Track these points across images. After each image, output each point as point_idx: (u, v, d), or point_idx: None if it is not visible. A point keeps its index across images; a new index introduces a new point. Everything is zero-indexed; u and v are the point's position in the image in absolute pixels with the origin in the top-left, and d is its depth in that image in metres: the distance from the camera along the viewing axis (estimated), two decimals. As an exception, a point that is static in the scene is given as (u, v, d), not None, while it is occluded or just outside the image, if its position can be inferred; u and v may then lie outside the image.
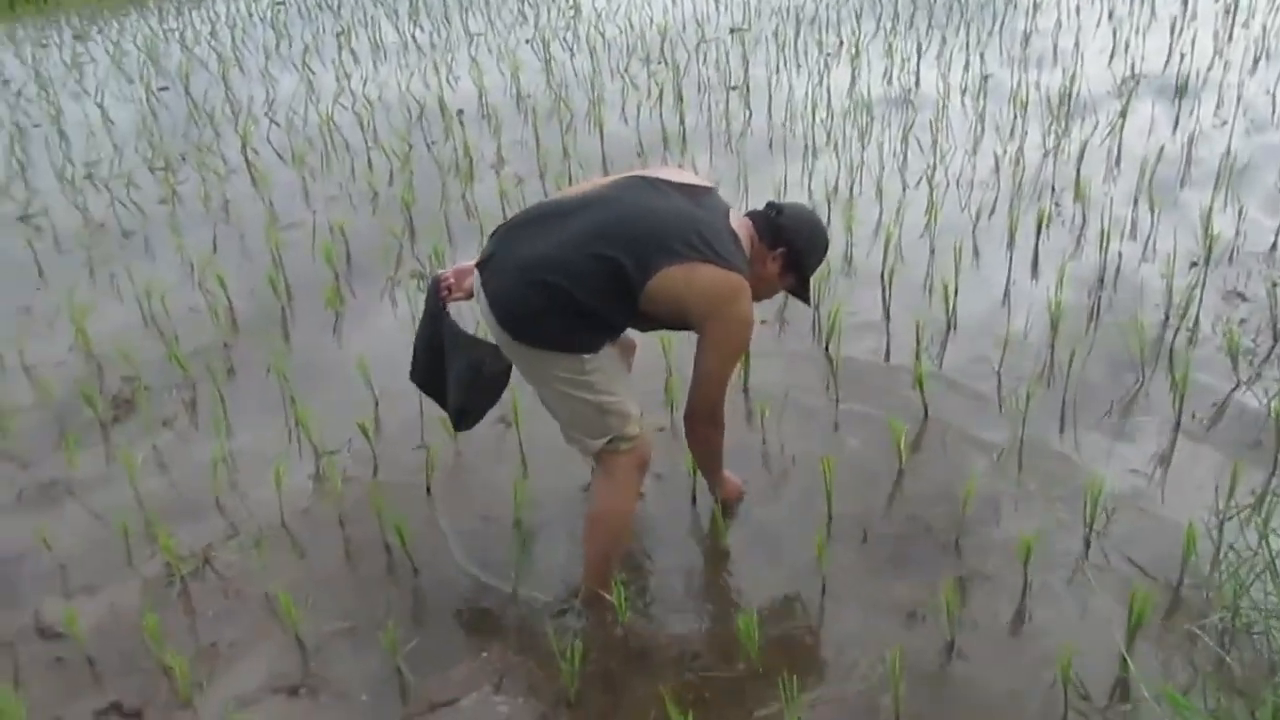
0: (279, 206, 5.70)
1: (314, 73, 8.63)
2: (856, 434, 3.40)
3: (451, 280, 2.71)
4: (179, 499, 3.26)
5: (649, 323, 2.65)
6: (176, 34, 11.09)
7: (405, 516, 2.95)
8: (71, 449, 3.46)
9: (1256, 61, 6.98)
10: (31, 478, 3.42)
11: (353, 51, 9.37)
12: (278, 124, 7.25)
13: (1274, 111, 6.03)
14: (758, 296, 2.69)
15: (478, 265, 2.60)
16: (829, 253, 2.92)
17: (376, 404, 3.66)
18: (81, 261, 5.14)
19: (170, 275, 4.86)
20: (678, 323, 2.60)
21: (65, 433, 3.59)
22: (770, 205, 2.75)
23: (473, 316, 3.13)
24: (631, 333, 2.78)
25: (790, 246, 2.69)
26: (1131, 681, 2.42)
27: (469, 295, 2.69)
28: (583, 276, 2.45)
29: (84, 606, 2.80)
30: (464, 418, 2.77)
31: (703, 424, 2.76)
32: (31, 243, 5.37)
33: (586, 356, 2.52)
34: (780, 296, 3.04)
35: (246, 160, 6.49)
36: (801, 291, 2.82)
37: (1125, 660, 2.45)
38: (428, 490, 3.21)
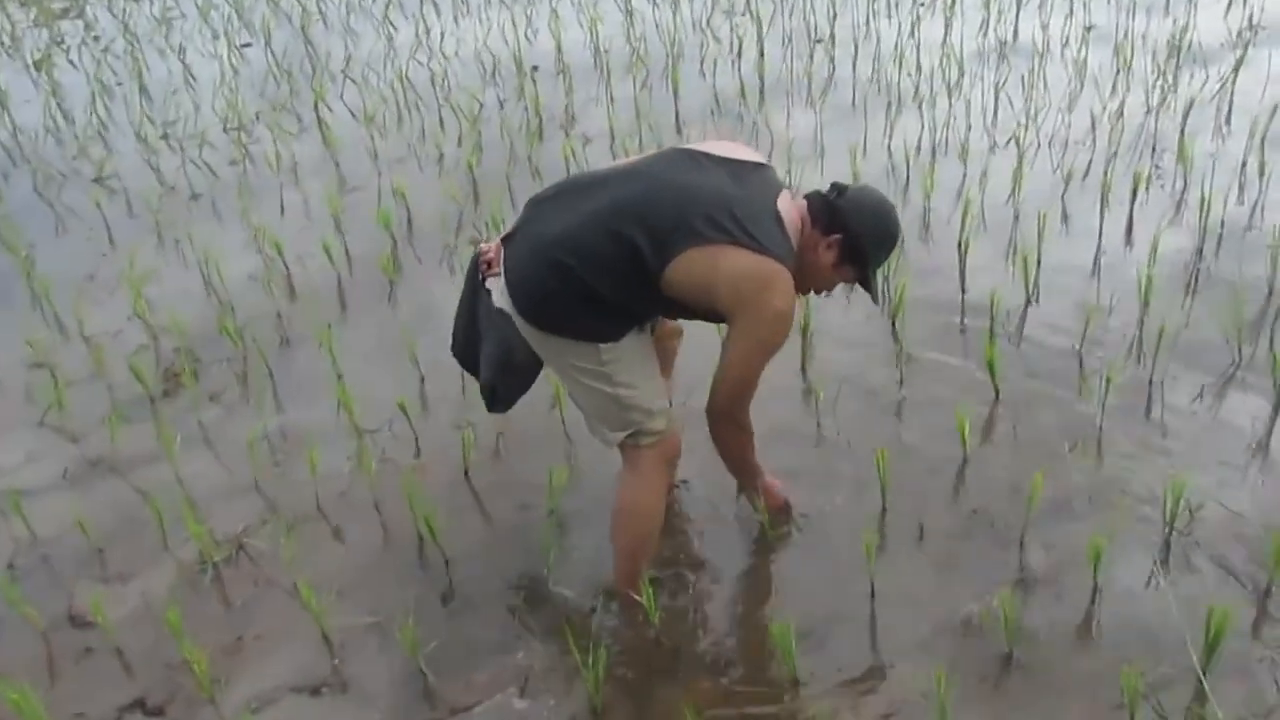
0: (345, 169, 5.65)
1: (395, 27, 8.57)
2: (920, 419, 3.20)
3: (492, 254, 2.51)
4: (219, 479, 3.23)
5: (681, 311, 2.47)
6: (265, -13, 11.15)
7: (439, 503, 2.87)
8: (116, 425, 3.45)
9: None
10: (80, 453, 3.43)
11: (435, 4, 9.27)
12: (353, 80, 7.20)
13: None
14: (806, 288, 2.48)
15: (503, 239, 2.47)
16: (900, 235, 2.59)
17: (422, 380, 3.59)
18: (149, 226, 5.16)
19: (233, 241, 4.85)
20: (711, 313, 2.39)
21: (114, 407, 3.59)
22: (834, 186, 2.46)
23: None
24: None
25: (847, 232, 2.38)
26: (1208, 704, 2.22)
27: None
28: (597, 258, 2.27)
29: (117, 593, 2.79)
30: (495, 399, 2.61)
31: (722, 423, 2.50)
32: (102, 205, 5.41)
33: (604, 346, 2.35)
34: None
35: (319, 118, 6.46)
36: (866, 284, 2.50)
37: (1201, 680, 2.24)
38: (465, 474, 3.12)
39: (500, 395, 2.59)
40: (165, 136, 6.52)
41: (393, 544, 2.93)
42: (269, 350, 3.88)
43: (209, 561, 2.88)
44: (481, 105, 6.28)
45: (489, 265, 2.52)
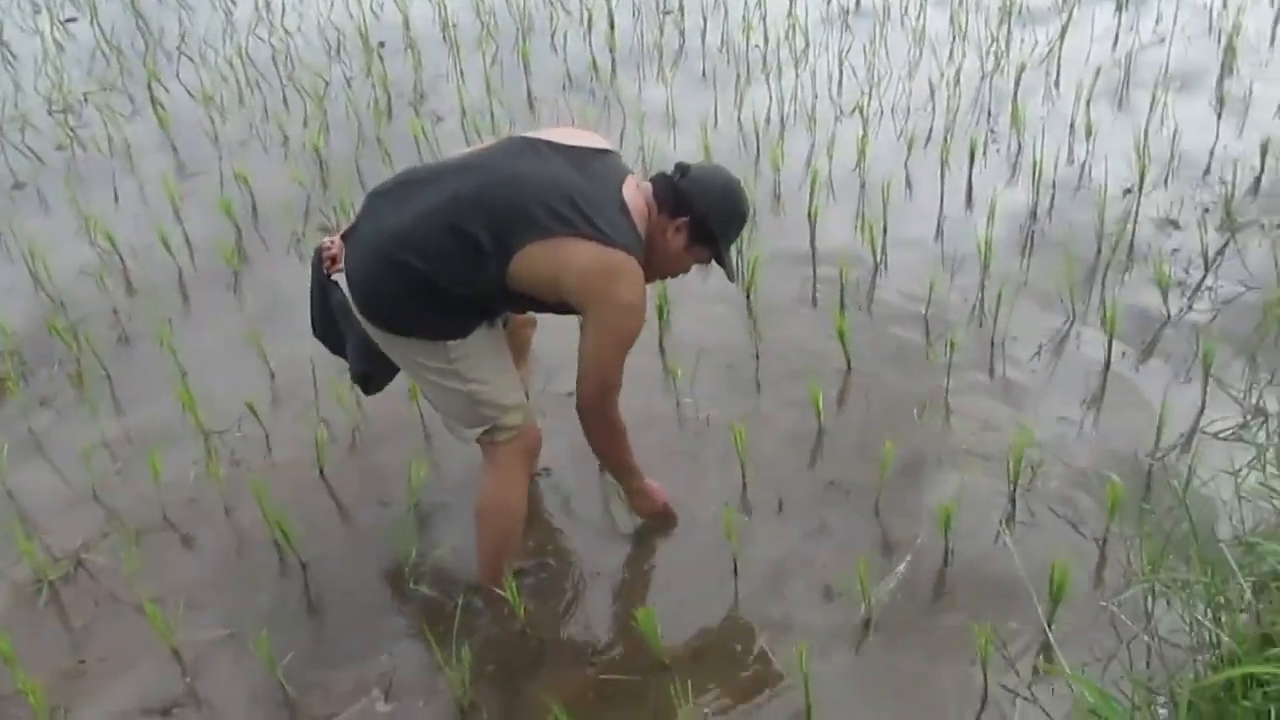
0: (183, 152, 5.39)
1: (233, 2, 8.19)
2: (776, 392, 3.26)
3: (335, 250, 2.44)
4: (53, 491, 3.07)
5: (531, 305, 2.44)
6: (89, -42, 10.52)
7: (293, 505, 2.80)
8: (-67, 437, 3.24)
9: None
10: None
11: (274, -25, 8.92)
12: (190, 58, 6.86)
13: (1210, 28, 5.83)
14: (660, 274, 2.47)
15: (343, 236, 2.40)
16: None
17: (272, 376, 3.47)
18: (-34, 217, 4.84)
19: (62, 232, 4.58)
20: (561, 306, 2.36)
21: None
22: (677, 167, 2.43)
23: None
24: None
25: (693, 213, 2.37)
26: (1054, 653, 2.33)
27: None
28: (439, 256, 2.22)
29: (-58, 620, 2.62)
30: (368, 384, 2.61)
31: (592, 420, 2.45)
32: (-89, 198, 5.05)
33: (451, 344, 2.31)
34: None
35: (153, 99, 6.14)
36: (721, 262, 2.49)
37: (1046, 632, 2.35)
38: (321, 473, 3.04)
39: (373, 378, 2.58)
40: (-19, 122, 6.10)
41: (245, 551, 2.83)
42: (105, 349, 3.69)
43: (44, 580, 2.73)
44: (327, 84, 6.07)
45: (333, 261, 2.45)
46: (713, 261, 2.51)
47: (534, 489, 2.84)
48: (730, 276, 2.56)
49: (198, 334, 3.77)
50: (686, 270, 2.55)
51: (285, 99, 5.99)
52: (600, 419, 2.45)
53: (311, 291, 2.57)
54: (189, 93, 6.22)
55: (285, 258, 4.29)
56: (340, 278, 2.41)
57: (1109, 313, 3.28)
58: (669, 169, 2.46)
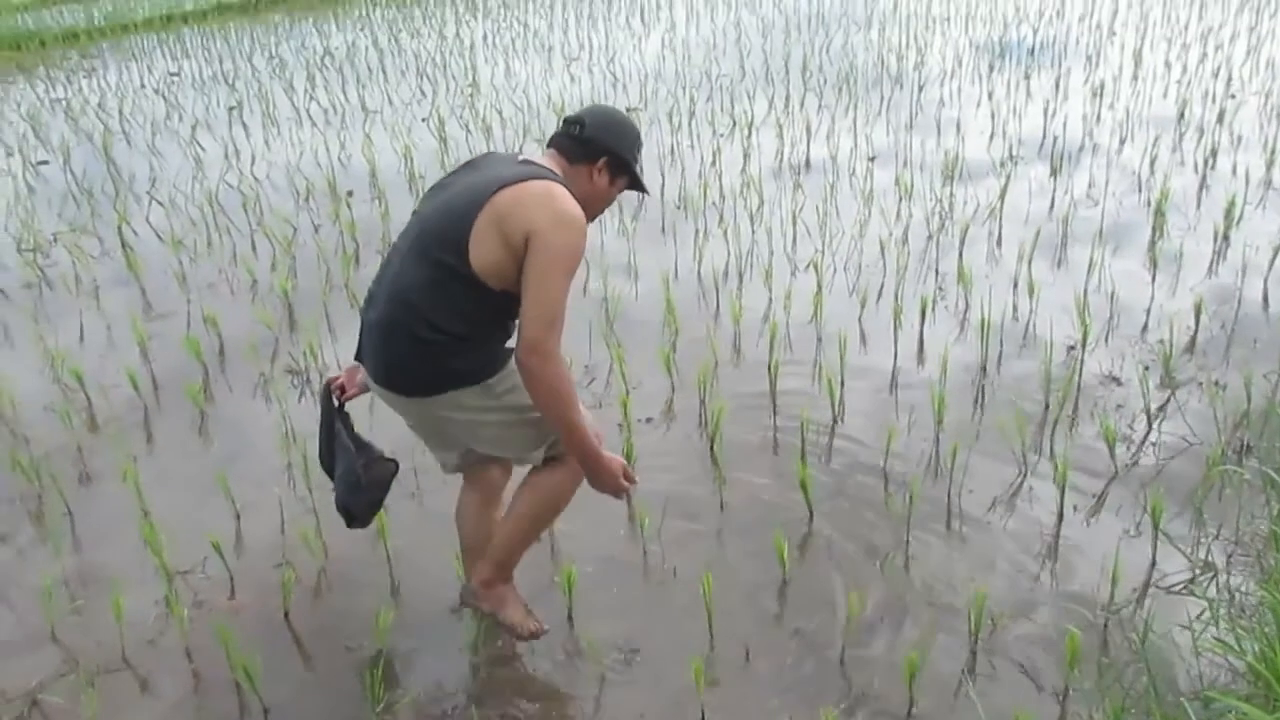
0: (152, 294, 5.46)
1: (203, 149, 8.42)
2: (740, 541, 3.31)
3: (343, 380, 2.75)
4: (9, 629, 3.01)
5: (517, 300, 2.42)
6: (63, 104, 10.77)
7: (257, 648, 2.75)
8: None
9: (1123, 141, 7.24)
10: None
11: (244, 125, 9.19)
12: (160, 203, 7.01)
13: (1139, 192, 6.22)
14: (594, 215, 2.58)
15: (356, 357, 2.63)
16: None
17: (237, 516, 3.46)
18: (-68, 354, 4.84)
19: (27, 368, 4.60)
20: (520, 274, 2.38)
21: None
22: (569, 121, 2.57)
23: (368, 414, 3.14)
24: None
25: (610, 152, 2.54)
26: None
27: (363, 389, 2.70)
28: (428, 295, 2.38)
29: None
30: (350, 519, 2.78)
31: (538, 360, 2.33)
32: (-124, 334, 5.04)
33: (492, 381, 2.47)
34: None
35: (123, 241, 6.24)
36: (636, 185, 2.67)
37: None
38: (286, 615, 3.01)
39: (354, 513, 2.75)
40: (-51, 259, 6.15)
41: (207, 694, 2.77)
42: (67, 486, 3.68)
43: (-3, 723, 2.66)
44: (295, 229, 6.22)
45: (343, 390, 2.75)
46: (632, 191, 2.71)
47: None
48: (644, 190, 2.73)
49: (162, 473, 3.77)
50: (612, 203, 2.70)
51: (254, 244, 6.13)
52: (548, 360, 2.34)
53: (320, 424, 2.78)
54: (158, 236, 6.33)
55: (251, 399, 4.32)
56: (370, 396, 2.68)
57: (1059, 466, 3.40)
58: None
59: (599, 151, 2.54)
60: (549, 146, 2.60)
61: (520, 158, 2.54)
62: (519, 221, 2.32)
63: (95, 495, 3.68)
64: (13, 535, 3.47)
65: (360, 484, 2.67)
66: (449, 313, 2.38)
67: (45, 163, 8.36)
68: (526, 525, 2.71)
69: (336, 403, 2.74)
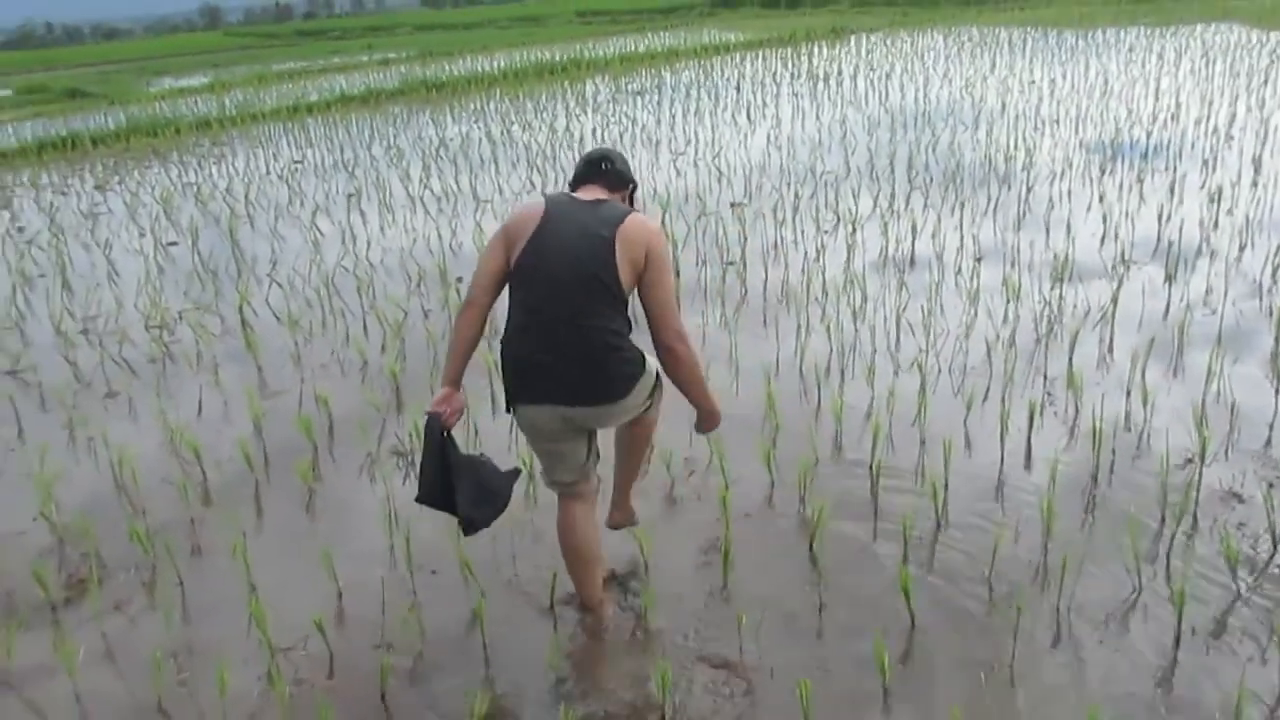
0: (268, 372, 5.67)
1: (322, 233, 8.78)
2: (839, 646, 3.24)
3: (445, 409, 3.04)
4: (120, 698, 3.10)
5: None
6: (194, 187, 11.38)
7: (354, 730, 2.78)
8: (13, 634, 3.30)
9: (1242, 249, 7.03)
10: (-29, 667, 3.26)
11: (362, 212, 9.56)
12: (279, 284, 7.31)
13: (1260, 299, 6.02)
14: None
15: (516, 402, 3.09)
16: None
17: (339, 595, 3.53)
18: (62, 422, 5.08)
19: (148, 441, 4.79)
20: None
21: (13, 614, 3.45)
22: (602, 159, 3.21)
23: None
24: None
25: (631, 180, 3.28)
26: None
27: (461, 412, 3.08)
28: (607, 314, 2.97)
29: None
30: (472, 526, 3.10)
31: (682, 342, 3.05)
32: (14, 399, 5.32)
33: (649, 362, 3.14)
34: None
35: (243, 320, 6.51)
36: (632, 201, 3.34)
37: None
38: (383, 697, 3.04)
39: (477, 522, 3.10)
40: (85, 331, 6.50)
41: (303, 773, 2.81)
42: (180, 558, 3.80)
43: (104, 793, 2.72)
44: (406, 314, 6.42)
45: (450, 417, 3.05)
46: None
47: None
48: (636, 205, 3.35)
49: (270, 548, 3.87)
50: None
51: (366, 326, 6.33)
52: (687, 340, 3.08)
53: (426, 457, 3.05)
54: (276, 316, 6.59)
55: (357, 479, 4.42)
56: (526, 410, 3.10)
57: (1177, 585, 3.26)
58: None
59: (627, 181, 3.27)
60: (590, 183, 3.20)
61: (588, 198, 3.12)
62: (638, 245, 2.99)
63: (206, 568, 3.79)
64: (126, 604, 3.58)
65: (489, 493, 3.10)
66: (617, 318, 3.00)
67: (175, 244, 8.82)
68: (637, 462, 3.51)
69: (445, 433, 3.01)
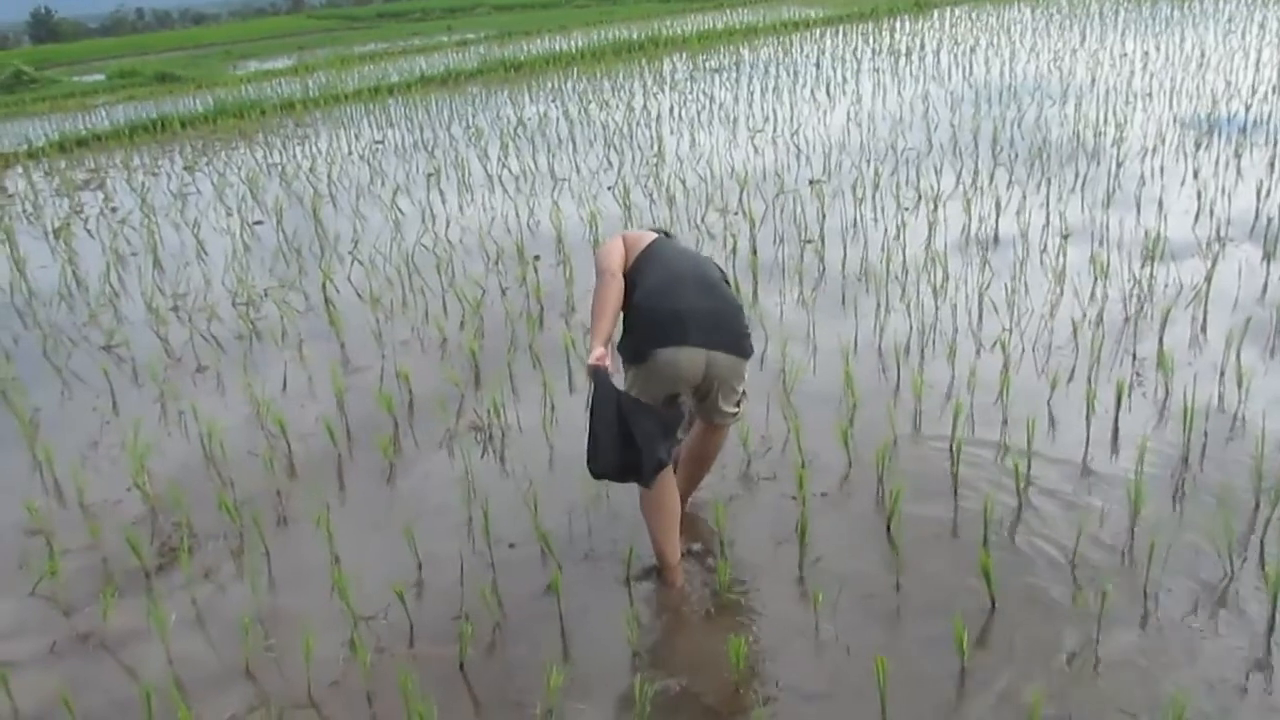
0: (350, 348, 5.78)
1: (402, 212, 8.90)
2: (917, 627, 3.20)
3: (608, 362, 3.15)
4: (210, 662, 3.20)
5: None
6: (279, 168, 11.61)
7: (433, 697, 2.83)
8: (109, 599, 3.43)
9: (1350, 227, 6.74)
10: (70, 627, 3.40)
11: (441, 191, 9.66)
12: (361, 262, 7.44)
13: (1371, 282, 5.77)
14: None
15: (661, 343, 3.21)
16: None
17: (419, 566, 3.59)
18: (154, 396, 5.24)
19: (236, 415, 4.92)
20: None
21: (109, 580, 3.58)
22: (660, 230, 3.67)
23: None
24: None
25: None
26: None
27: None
28: (727, 293, 3.45)
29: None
30: (660, 468, 3.22)
31: None
32: (109, 373, 5.50)
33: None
34: None
35: (326, 298, 6.64)
36: None
37: None
38: (461, 667, 3.09)
39: (665, 461, 3.26)
40: (175, 308, 6.69)
41: (384, 739, 2.87)
42: (266, 528, 3.90)
43: (195, 753, 2.81)
44: (484, 291, 6.48)
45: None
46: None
47: None
48: None
49: (352, 520, 3.95)
50: None
51: (445, 304, 6.40)
52: None
53: (596, 409, 3.13)
54: (358, 293, 6.70)
55: (436, 453, 4.49)
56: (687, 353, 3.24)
57: (1271, 571, 3.15)
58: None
59: None
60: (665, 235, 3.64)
61: (680, 244, 3.65)
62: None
63: (291, 538, 3.89)
64: (215, 571, 3.70)
65: (668, 427, 3.26)
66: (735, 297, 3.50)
67: (260, 223, 9.02)
68: (703, 472, 3.76)
69: (610, 383, 3.13)
